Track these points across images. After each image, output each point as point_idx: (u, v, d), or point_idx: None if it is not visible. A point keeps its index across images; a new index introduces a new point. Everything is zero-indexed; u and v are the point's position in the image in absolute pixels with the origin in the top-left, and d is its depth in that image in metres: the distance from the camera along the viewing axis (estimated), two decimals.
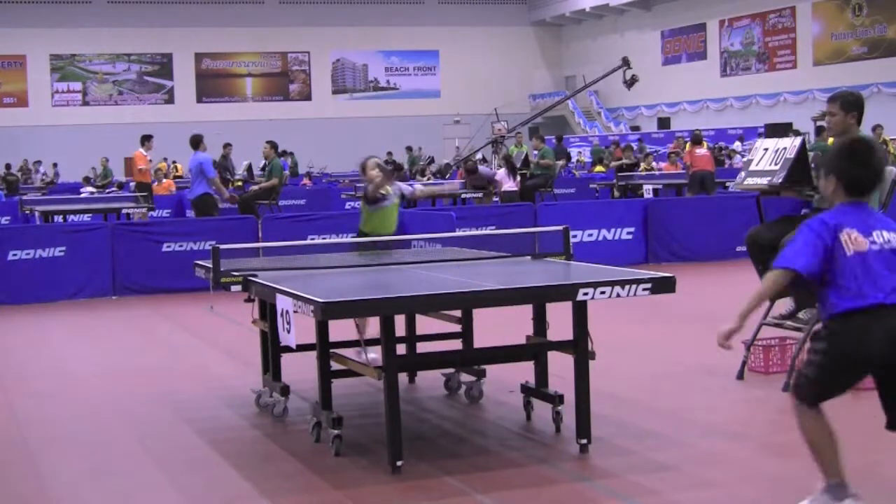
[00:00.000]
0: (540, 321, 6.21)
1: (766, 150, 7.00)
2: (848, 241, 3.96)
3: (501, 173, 19.49)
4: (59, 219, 16.71)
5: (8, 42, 43.76)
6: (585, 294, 5.28)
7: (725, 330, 4.15)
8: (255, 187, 20.06)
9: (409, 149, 37.59)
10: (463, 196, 19.57)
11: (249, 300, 6.79)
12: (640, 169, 24.60)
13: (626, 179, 21.69)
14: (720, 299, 10.49)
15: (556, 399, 5.93)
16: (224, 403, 7.08)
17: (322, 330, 5.75)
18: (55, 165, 39.40)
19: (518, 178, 19.55)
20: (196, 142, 16.18)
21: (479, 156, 24.79)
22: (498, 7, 49.95)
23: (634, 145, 31.83)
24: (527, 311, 6.29)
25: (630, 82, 39.13)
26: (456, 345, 7.03)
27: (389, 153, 39.15)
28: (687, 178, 20.12)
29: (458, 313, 6.92)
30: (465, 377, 6.97)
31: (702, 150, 20.54)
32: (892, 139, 24.80)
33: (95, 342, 10.12)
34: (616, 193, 21.10)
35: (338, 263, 6.95)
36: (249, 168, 25.71)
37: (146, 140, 19.50)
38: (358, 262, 6.98)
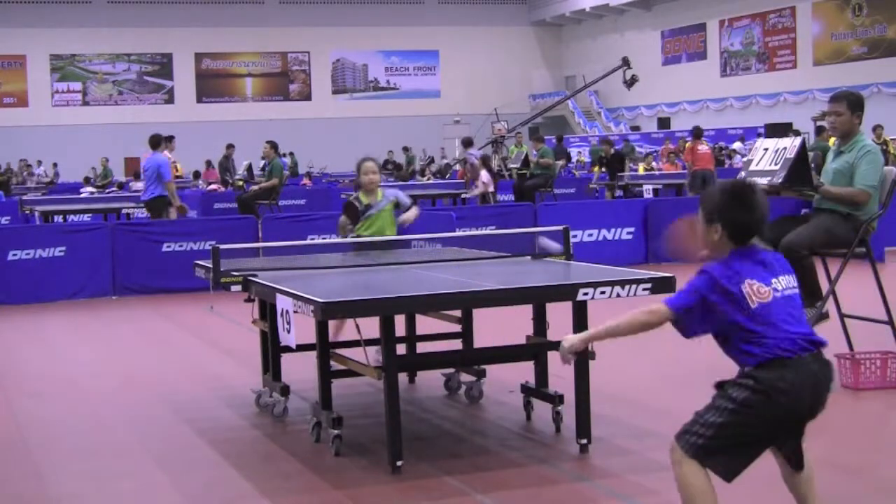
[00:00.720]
0: (540, 321, 6.21)
1: (766, 150, 6.99)
2: (751, 292, 3.68)
3: (485, 174, 19.54)
4: (59, 219, 16.72)
5: (8, 42, 43.80)
6: (585, 294, 5.29)
7: (574, 342, 3.91)
8: (255, 187, 20.06)
9: (406, 149, 37.62)
10: (463, 196, 19.61)
11: (249, 300, 6.79)
12: (640, 169, 24.53)
13: (613, 176, 21.42)
14: None
15: (556, 399, 5.93)
16: (224, 403, 7.08)
17: (322, 330, 5.75)
18: (55, 165, 39.43)
19: (494, 179, 19.53)
20: (156, 142, 15.98)
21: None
22: (498, 7, 49.98)
23: (616, 139, 31.64)
24: (527, 311, 6.29)
25: (630, 82, 39.17)
26: (456, 345, 7.03)
27: (390, 152, 39.19)
28: (688, 176, 20.03)
29: (458, 313, 6.92)
30: (465, 377, 6.97)
31: (703, 148, 20.48)
32: (892, 139, 24.83)
33: (95, 342, 10.12)
34: (609, 194, 20.92)
35: (338, 263, 6.95)
36: (249, 168, 25.72)
37: (167, 141, 19.17)
38: (358, 262, 6.98)
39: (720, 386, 3.77)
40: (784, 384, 3.64)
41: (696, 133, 21.00)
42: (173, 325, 10.84)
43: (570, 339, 3.97)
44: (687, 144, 22.51)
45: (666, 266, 13.48)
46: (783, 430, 3.74)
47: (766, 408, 3.65)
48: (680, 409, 3.87)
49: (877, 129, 24.29)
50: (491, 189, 19.27)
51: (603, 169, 22.20)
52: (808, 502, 3.94)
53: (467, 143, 21.28)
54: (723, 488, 3.84)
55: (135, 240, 13.01)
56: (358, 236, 7.93)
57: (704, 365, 7.60)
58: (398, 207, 7.97)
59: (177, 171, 35.82)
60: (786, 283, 3.78)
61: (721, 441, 3.67)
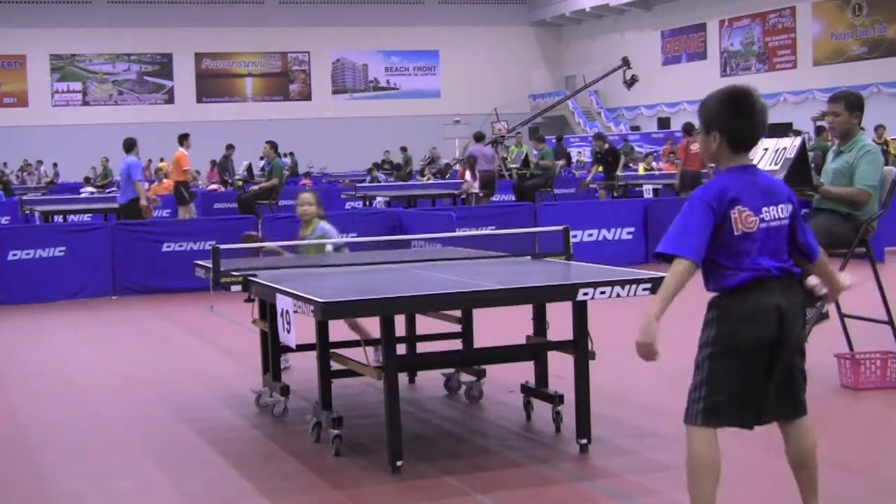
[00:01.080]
0: (540, 321, 6.21)
1: (766, 150, 6.99)
2: (738, 219, 3.62)
3: (468, 174, 19.58)
4: (59, 219, 16.72)
5: (8, 42, 43.76)
6: (585, 294, 5.28)
7: (647, 326, 3.60)
8: (255, 187, 20.08)
9: (404, 149, 37.61)
10: (462, 196, 19.63)
11: (249, 300, 6.80)
12: (640, 169, 24.42)
13: (610, 175, 21.19)
14: None
15: (556, 399, 5.93)
16: (224, 403, 7.08)
17: (322, 330, 5.75)
18: (55, 165, 39.42)
19: (477, 180, 19.54)
20: (129, 146, 15.98)
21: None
22: (498, 7, 49.96)
23: (616, 139, 31.41)
24: (527, 311, 6.29)
25: (630, 82, 39.15)
26: (456, 345, 7.03)
27: (387, 152, 39.13)
28: (678, 176, 19.47)
29: (458, 313, 6.92)
30: (465, 377, 6.97)
31: (695, 147, 20.12)
32: (892, 139, 24.82)
33: (95, 342, 10.12)
34: (603, 193, 20.68)
35: (338, 263, 6.95)
36: (249, 168, 25.74)
37: (184, 139, 19.24)
38: (358, 262, 6.98)
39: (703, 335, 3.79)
40: (745, 308, 3.64)
41: (688, 129, 20.53)
42: (173, 325, 10.84)
43: (647, 329, 3.62)
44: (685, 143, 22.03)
45: (666, 266, 13.50)
46: (760, 354, 3.68)
47: (735, 335, 3.65)
48: (680, 410, 3.86)
49: (878, 128, 24.27)
50: (474, 190, 19.28)
51: (600, 168, 21.94)
52: (805, 489, 3.92)
53: (478, 137, 21.34)
54: (730, 485, 3.83)
55: (135, 240, 13.01)
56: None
57: None
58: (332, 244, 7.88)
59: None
60: (776, 213, 3.69)
61: (718, 394, 3.65)
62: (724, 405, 3.67)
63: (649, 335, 3.63)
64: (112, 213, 17.03)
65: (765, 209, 3.67)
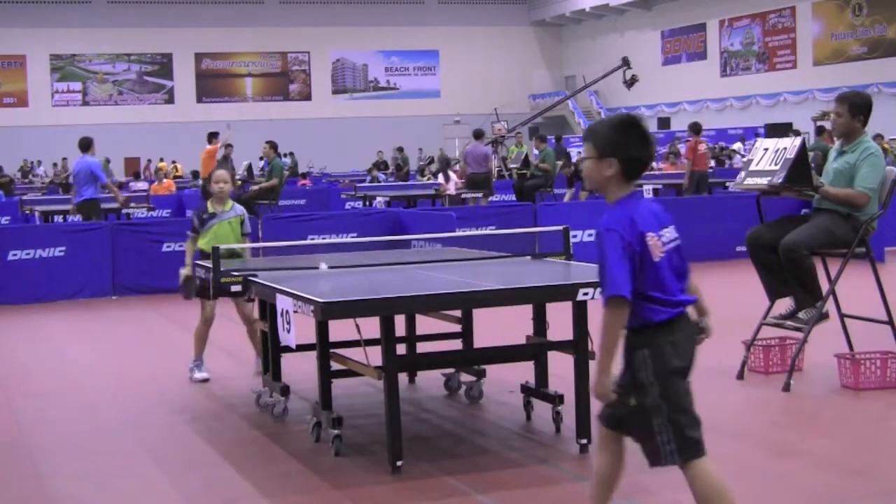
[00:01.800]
0: (540, 321, 6.21)
1: (766, 150, 6.99)
2: (654, 245, 3.59)
3: (441, 176, 19.58)
4: (59, 219, 16.71)
5: (8, 42, 43.79)
6: (585, 294, 5.28)
7: (604, 388, 3.63)
8: (255, 187, 20.08)
9: (401, 149, 37.58)
10: (462, 196, 19.62)
11: (249, 300, 6.79)
12: None
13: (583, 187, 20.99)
14: (720, 299, 10.47)
15: (556, 399, 5.93)
16: (224, 403, 7.08)
17: (322, 330, 5.75)
18: (55, 165, 39.40)
19: (451, 181, 19.55)
20: (86, 145, 15.89)
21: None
22: (498, 7, 49.98)
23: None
24: (527, 311, 6.29)
25: (630, 82, 39.15)
26: (456, 345, 7.03)
27: (380, 153, 39.11)
28: (687, 176, 19.49)
29: (458, 313, 6.92)
30: (465, 377, 6.97)
31: (703, 148, 20.08)
32: (891, 139, 24.80)
33: (95, 342, 10.12)
34: (585, 195, 20.52)
35: (338, 263, 6.95)
36: (249, 168, 25.72)
37: (214, 136, 19.44)
38: (358, 262, 6.98)
39: (623, 392, 3.68)
40: (673, 340, 3.63)
41: (696, 129, 20.20)
42: (173, 325, 10.84)
43: (599, 388, 3.68)
44: (688, 142, 21.86)
45: None
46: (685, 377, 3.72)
47: (671, 366, 3.64)
48: None
49: (876, 138, 24.11)
50: (449, 191, 19.29)
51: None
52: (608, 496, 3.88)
53: (477, 135, 21.33)
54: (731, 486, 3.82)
55: (135, 240, 13.01)
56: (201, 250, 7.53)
57: (704, 365, 7.60)
58: (242, 224, 7.85)
59: (177, 171, 35.92)
60: (670, 234, 3.69)
61: (684, 427, 3.64)
62: (695, 433, 3.66)
63: (605, 392, 3.67)
64: (112, 213, 17.01)
65: (661, 232, 3.66)
